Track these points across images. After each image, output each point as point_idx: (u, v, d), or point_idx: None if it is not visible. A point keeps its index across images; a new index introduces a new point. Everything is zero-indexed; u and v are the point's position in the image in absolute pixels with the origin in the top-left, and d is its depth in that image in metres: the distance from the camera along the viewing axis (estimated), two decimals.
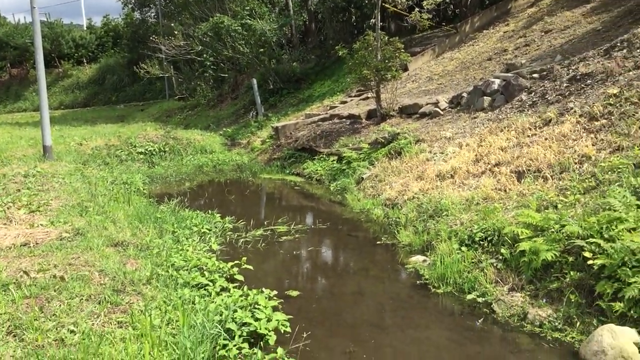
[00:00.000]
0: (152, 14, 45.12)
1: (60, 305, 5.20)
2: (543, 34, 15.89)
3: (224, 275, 6.82)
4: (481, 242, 6.83)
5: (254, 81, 23.25)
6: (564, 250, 5.76)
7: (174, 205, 10.53)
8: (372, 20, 21.17)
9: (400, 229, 8.58)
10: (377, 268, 7.56)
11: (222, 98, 30.08)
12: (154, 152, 18.35)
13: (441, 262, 6.74)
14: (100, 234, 7.79)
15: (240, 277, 6.72)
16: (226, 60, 27.86)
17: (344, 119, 17.00)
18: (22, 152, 16.87)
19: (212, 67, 26.20)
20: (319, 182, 13.98)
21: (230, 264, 7.00)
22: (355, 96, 19.97)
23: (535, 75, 12.16)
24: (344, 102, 19.81)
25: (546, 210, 6.67)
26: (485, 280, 6.16)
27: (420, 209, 8.77)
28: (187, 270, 6.82)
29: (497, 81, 12.78)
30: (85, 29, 56.36)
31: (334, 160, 14.42)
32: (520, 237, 6.23)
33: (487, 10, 20.99)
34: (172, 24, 30.83)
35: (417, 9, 15.23)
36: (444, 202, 8.36)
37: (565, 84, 10.52)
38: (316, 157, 15.32)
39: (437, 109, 14.17)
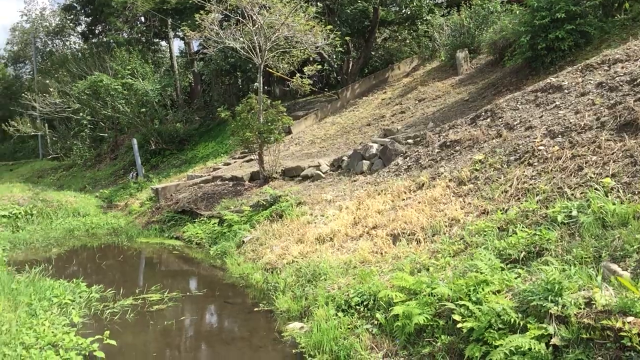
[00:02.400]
0: (28, 70, 43.07)
1: None
2: (417, 102, 16.80)
3: (82, 353, 6.19)
4: (357, 307, 6.74)
5: (134, 141, 22.52)
6: (435, 313, 5.79)
7: (35, 274, 9.62)
8: (256, 84, 21.48)
9: (279, 294, 8.33)
10: (253, 337, 7.23)
11: (101, 158, 28.79)
12: (19, 215, 16.95)
13: (318, 329, 6.55)
14: None
15: (101, 354, 6.12)
16: (105, 119, 26.89)
17: (226, 181, 16.76)
18: None
19: (89, 126, 25.12)
20: (199, 245, 13.50)
21: (90, 339, 6.37)
22: (239, 158, 19.85)
23: (410, 140, 12.71)
24: (227, 164, 19.62)
25: (419, 273, 6.75)
26: (361, 347, 6.03)
27: (299, 273, 8.60)
28: (39, 348, 6.11)
29: (375, 146, 13.21)
30: None
31: (215, 223, 14.04)
32: (395, 301, 6.21)
33: (367, 79, 21.98)
34: (48, 81, 29.47)
35: (298, 75, 15.56)
36: (323, 266, 8.26)
37: (436, 150, 11.03)
38: (197, 220, 14.86)
39: (318, 172, 14.34)
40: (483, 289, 5.55)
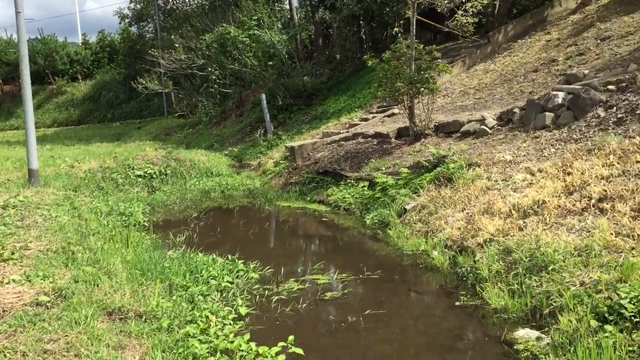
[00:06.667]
0: (150, 29, 43.35)
1: None
2: (599, 41, 14.00)
3: None
4: (633, 318, 4.79)
5: (263, 96, 21.29)
6: None
7: (183, 247, 8.47)
8: (395, 30, 19.33)
9: (486, 285, 6.53)
10: (474, 347, 5.50)
11: (226, 115, 28.09)
12: (154, 175, 16.26)
13: (573, 345, 4.69)
14: (89, 296, 5.75)
15: None
16: (230, 75, 25.98)
17: (369, 138, 15.03)
18: (6, 175, 14.84)
19: (217, 81, 24.21)
20: (349, 212, 11.95)
21: (273, 349, 4.91)
22: (377, 112, 18.02)
23: (611, 87, 10.26)
24: (364, 119, 17.84)
25: None
26: None
27: (508, 258, 6.74)
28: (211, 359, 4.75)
29: (561, 94, 10.85)
30: (80, 44, 54.48)
31: (364, 186, 12.40)
32: None
33: (522, 19, 19.15)
34: (173, 37, 29.02)
35: (459, 12, 13.26)
36: (545, 251, 6.33)
37: None
38: (342, 182, 13.29)
39: (483, 126, 12.22)
40: None
